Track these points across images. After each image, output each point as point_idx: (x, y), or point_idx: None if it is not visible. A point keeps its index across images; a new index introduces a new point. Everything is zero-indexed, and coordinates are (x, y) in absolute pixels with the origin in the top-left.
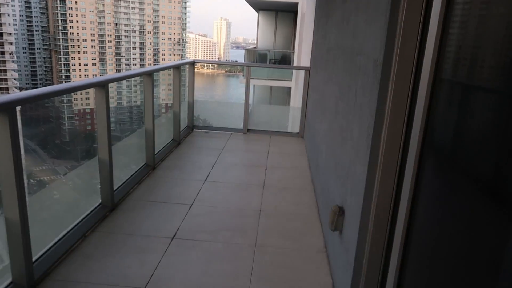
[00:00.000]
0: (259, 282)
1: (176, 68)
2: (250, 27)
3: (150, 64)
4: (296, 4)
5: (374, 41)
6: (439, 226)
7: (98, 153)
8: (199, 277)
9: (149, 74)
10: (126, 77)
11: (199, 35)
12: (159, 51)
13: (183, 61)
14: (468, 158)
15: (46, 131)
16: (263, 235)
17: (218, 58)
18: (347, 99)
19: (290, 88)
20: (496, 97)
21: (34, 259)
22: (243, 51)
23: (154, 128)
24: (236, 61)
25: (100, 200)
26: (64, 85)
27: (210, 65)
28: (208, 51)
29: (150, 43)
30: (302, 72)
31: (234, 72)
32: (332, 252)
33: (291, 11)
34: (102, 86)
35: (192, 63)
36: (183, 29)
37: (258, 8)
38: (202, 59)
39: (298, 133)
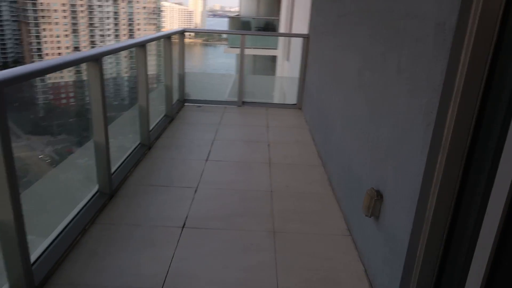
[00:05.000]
0: (286, 273)
1: (167, 38)
2: None
3: (125, 34)
4: None
5: (437, 0)
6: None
7: (93, 135)
8: (221, 272)
9: (142, 46)
10: (120, 49)
11: (174, 3)
12: (133, 21)
13: (174, 30)
14: None
15: (20, 106)
16: (280, 219)
17: (195, 27)
18: (381, 69)
19: (275, 56)
20: None
21: (32, 260)
22: (221, 19)
23: (148, 104)
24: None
25: (98, 187)
26: (55, 61)
27: (188, 34)
28: (185, 20)
29: (125, 13)
30: (293, 40)
31: (212, 41)
32: (361, 237)
33: None
34: (95, 60)
35: (182, 32)
36: None
37: None
38: (179, 27)
39: (295, 104)
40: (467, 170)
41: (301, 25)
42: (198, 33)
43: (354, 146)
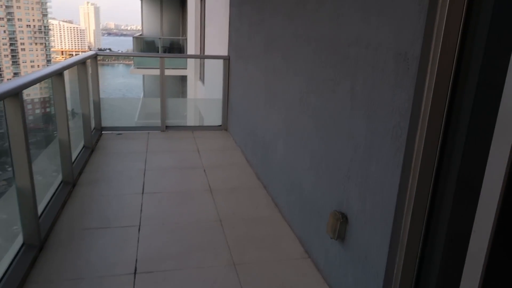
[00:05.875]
0: None
1: (82, 63)
2: (121, 13)
3: (7, 55)
4: None
5: (396, 31)
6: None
7: (16, 180)
8: None
9: (60, 74)
10: (39, 80)
11: (63, 21)
12: (16, 40)
13: (87, 54)
14: None
15: None
16: (237, 250)
17: (89, 47)
18: (330, 94)
19: (184, 76)
20: None
21: None
22: (117, 37)
23: (69, 137)
24: (110, 49)
25: (23, 240)
26: None
27: (81, 53)
28: (77, 39)
29: (5, 31)
30: (209, 60)
31: (108, 60)
32: (323, 259)
33: None
34: (15, 95)
35: (95, 57)
36: (44, 15)
37: None
38: (70, 48)
39: (220, 126)
40: (435, 189)
41: (218, 46)
42: (111, 56)
43: (303, 167)
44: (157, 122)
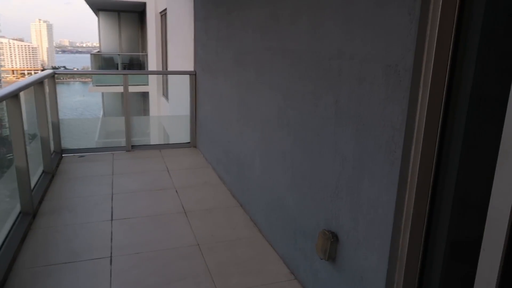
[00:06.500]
0: None
1: (40, 83)
2: (76, 29)
3: None
4: (143, 4)
5: (384, 43)
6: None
7: None
8: None
9: (15, 96)
10: None
11: (13, 39)
12: None
13: (44, 73)
14: None
15: None
16: (220, 276)
17: (42, 65)
18: (311, 108)
19: (145, 93)
20: None
21: None
22: (72, 55)
23: (27, 164)
24: (65, 67)
25: None
26: None
27: (33, 71)
28: (28, 57)
29: None
30: (172, 76)
31: (63, 79)
32: (312, 280)
33: (136, 12)
34: None
35: (53, 76)
36: None
37: (97, 8)
38: (22, 67)
39: (189, 143)
40: (433, 203)
41: (183, 61)
42: (66, 74)
43: (285, 184)
44: (120, 141)
